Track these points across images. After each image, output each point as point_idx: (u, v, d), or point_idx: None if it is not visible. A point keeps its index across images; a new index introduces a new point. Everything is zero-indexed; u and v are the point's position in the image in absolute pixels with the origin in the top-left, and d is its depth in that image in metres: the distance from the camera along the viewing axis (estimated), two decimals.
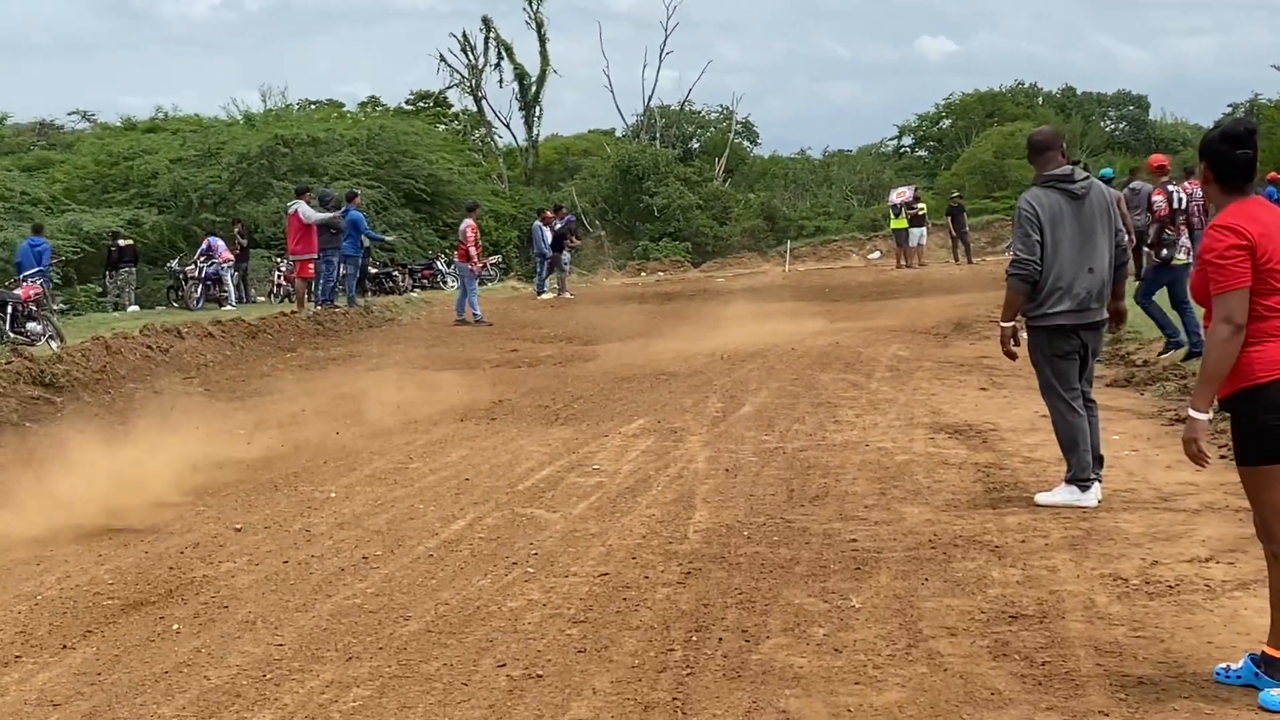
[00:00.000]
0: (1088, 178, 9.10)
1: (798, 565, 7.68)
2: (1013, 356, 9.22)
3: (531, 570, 7.86)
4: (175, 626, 7.11)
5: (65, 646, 6.88)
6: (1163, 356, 15.10)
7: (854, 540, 8.16)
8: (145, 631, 7.06)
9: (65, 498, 9.96)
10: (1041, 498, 9.00)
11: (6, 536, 9.28)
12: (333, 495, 10.34)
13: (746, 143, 75.39)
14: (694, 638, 6.49)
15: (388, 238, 34.37)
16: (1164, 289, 15.24)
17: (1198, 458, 5.47)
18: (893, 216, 43.13)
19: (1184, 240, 15.16)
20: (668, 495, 9.77)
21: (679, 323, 25.21)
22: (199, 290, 33.13)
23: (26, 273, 22.50)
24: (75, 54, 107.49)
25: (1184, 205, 15.36)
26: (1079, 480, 8.88)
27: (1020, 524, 8.39)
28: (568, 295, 34.54)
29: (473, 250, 28.08)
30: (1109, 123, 78.38)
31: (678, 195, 57.80)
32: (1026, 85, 79.02)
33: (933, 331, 21.09)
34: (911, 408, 13.33)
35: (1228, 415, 5.54)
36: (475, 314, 26.92)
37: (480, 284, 40.50)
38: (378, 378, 17.71)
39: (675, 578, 7.54)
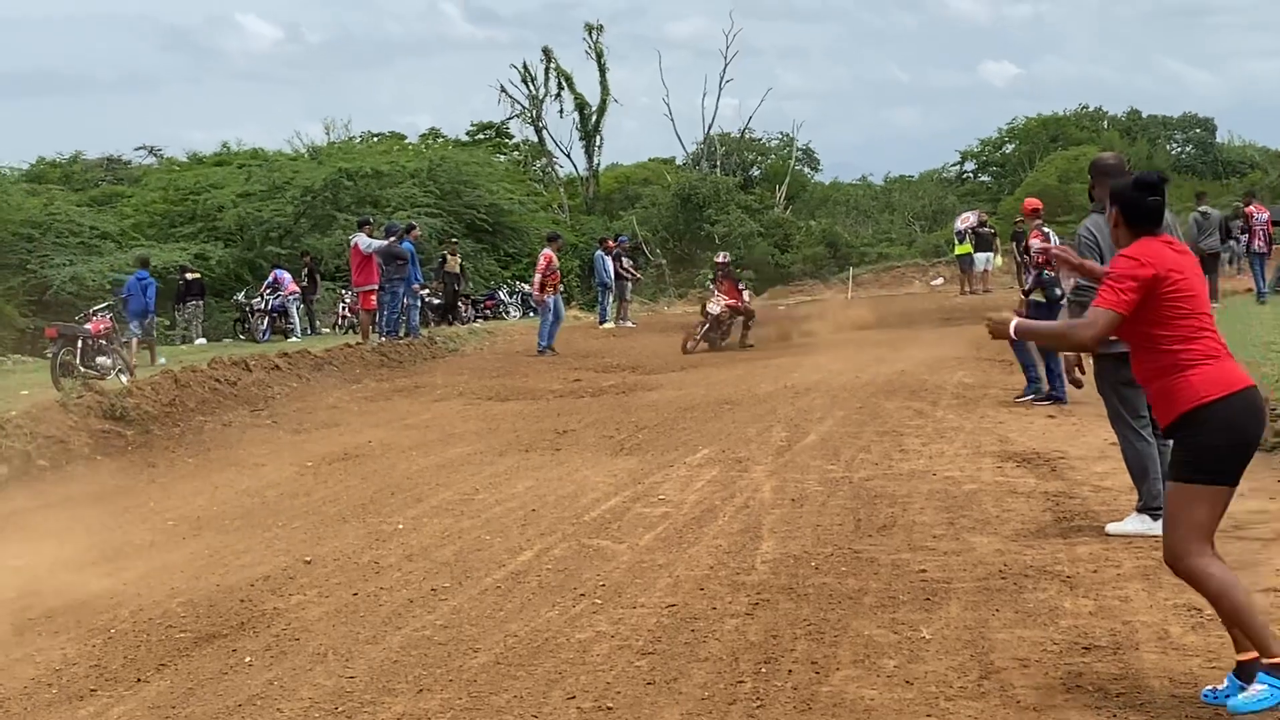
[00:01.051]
0: None
1: (866, 596, 7.65)
2: (1078, 384, 9.20)
3: (599, 602, 7.87)
4: (248, 659, 7.17)
5: (139, 679, 6.96)
6: (1018, 401, 15.43)
7: (923, 570, 8.12)
8: (218, 664, 7.13)
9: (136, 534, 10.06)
10: (1113, 527, 8.93)
11: (81, 569, 9.39)
12: (400, 527, 10.38)
13: (807, 169, 75.40)
14: (763, 669, 6.48)
15: (423, 291, 34.27)
16: None
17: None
18: (957, 243, 42.88)
19: (1067, 280, 15.13)
20: (734, 526, 9.76)
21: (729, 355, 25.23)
22: (265, 323, 33.44)
23: (96, 308, 22.71)
24: (141, 90, 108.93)
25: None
26: (1150, 509, 8.80)
27: (1092, 554, 8.33)
28: (629, 324, 34.58)
29: (536, 278, 28.10)
30: (1175, 146, 77.94)
31: (739, 223, 57.82)
32: (1091, 109, 78.70)
33: (998, 358, 20.96)
34: (979, 436, 13.27)
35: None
36: (541, 343, 26.88)
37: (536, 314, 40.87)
38: (443, 409, 17.82)
39: (743, 609, 7.53)
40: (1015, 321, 6.03)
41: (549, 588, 8.28)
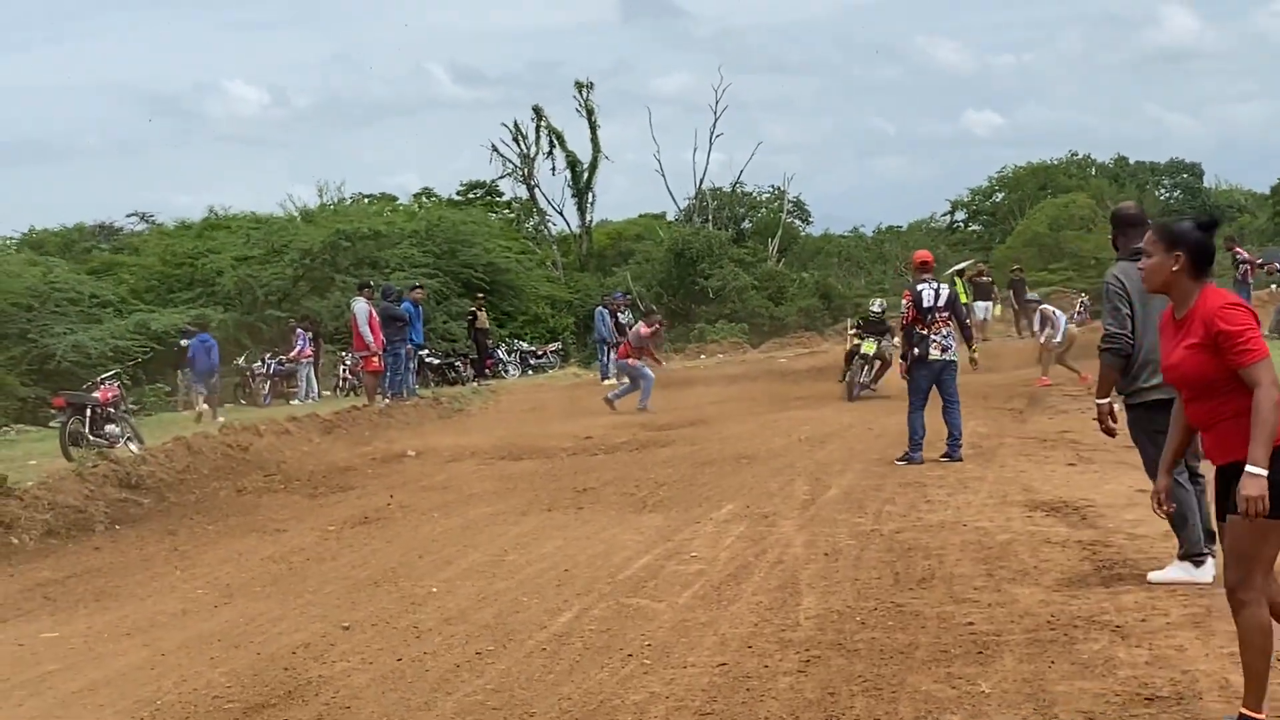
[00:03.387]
0: None
1: (918, 650, 7.62)
2: (1111, 434, 9.13)
3: (648, 662, 7.83)
4: None
5: None
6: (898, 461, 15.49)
7: (970, 623, 8.10)
8: None
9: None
10: (1155, 576, 8.91)
11: (116, 640, 9.34)
12: (434, 590, 10.33)
13: (798, 222, 75.60)
14: None
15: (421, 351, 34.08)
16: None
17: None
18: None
19: (936, 337, 15.29)
20: (771, 581, 9.73)
21: (748, 404, 25.21)
22: (267, 386, 33.36)
23: (103, 376, 22.66)
24: (127, 155, 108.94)
25: (935, 303, 15.38)
26: (1192, 556, 8.79)
27: (1137, 602, 8.31)
28: (614, 381, 34.51)
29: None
30: (1163, 191, 78.35)
31: (733, 277, 57.89)
32: (1079, 156, 79.07)
33: (1007, 407, 21.02)
34: (1003, 485, 13.26)
35: None
36: (611, 396, 26.50)
37: (539, 371, 40.85)
38: (458, 469, 17.79)
39: (795, 666, 7.50)
40: (1254, 469, 5.76)
41: (595, 648, 8.24)
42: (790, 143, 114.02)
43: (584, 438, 20.76)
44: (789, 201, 71.78)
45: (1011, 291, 41.92)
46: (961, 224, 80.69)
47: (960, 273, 40.12)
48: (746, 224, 71.56)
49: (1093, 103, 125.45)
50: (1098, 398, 9.10)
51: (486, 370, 35.50)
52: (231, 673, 8.37)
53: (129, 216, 55.58)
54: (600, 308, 35.73)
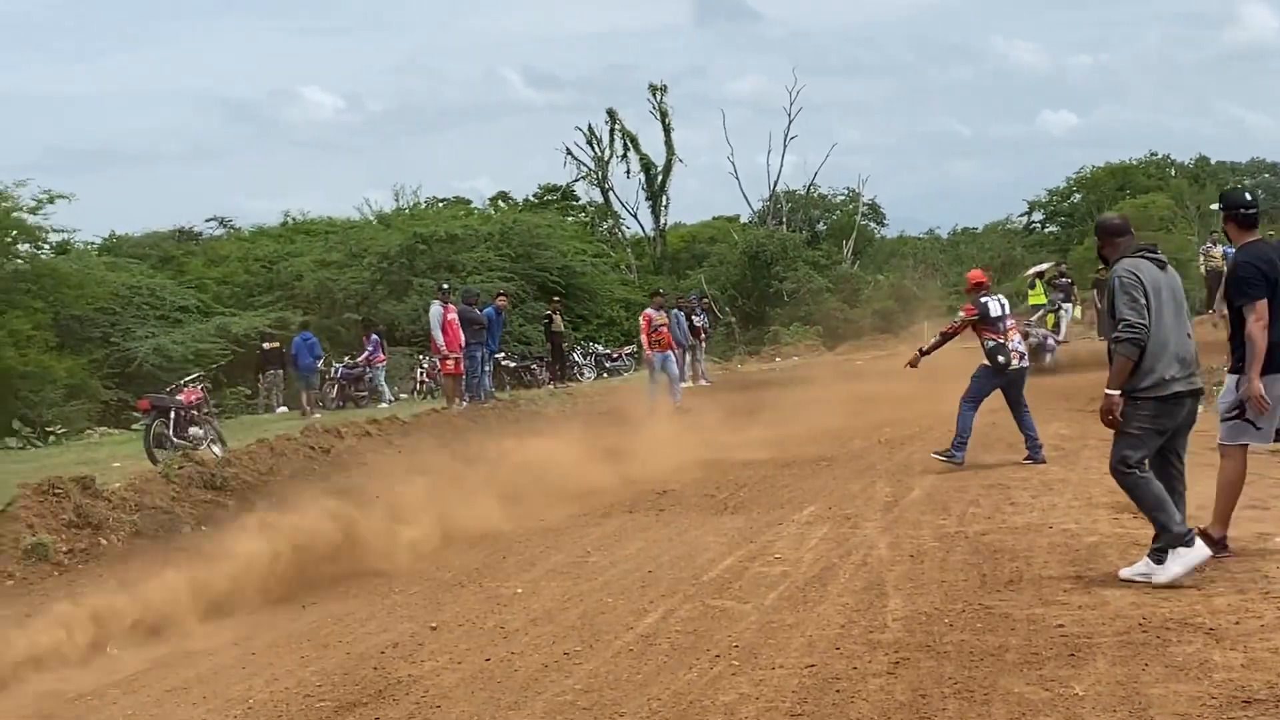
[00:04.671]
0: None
1: (1008, 653, 7.57)
2: (1115, 426, 9.06)
3: (736, 663, 7.82)
4: None
5: None
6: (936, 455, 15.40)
7: (1061, 626, 8.03)
8: None
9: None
10: (1158, 579, 8.86)
11: (207, 639, 9.44)
12: (519, 591, 10.38)
13: (873, 224, 75.20)
14: None
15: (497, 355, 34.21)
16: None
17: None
18: (1029, 292, 42.47)
19: (1012, 345, 15.18)
20: (857, 583, 9.70)
21: (825, 406, 25.07)
22: (335, 390, 33.45)
23: (187, 378, 22.84)
24: (205, 161, 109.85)
25: (1003, 311, 15.30)
26: (1182, 540, 8.80)
27: (1230, 605, 8.21)
28: (704, 382, 34.52)
29: (644, 338, 27.92)
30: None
31: (807, 279, 57.70)
32: (1159, 156, 78.20)
33: (1089, 409, 20.80)
34: (1087, 487, 13.14)
35: None
36: (674, 399, 26.67)
37: (614, 374, 40.88)
38: (539, 471, 17.79)
39: (884, 668, 7.47)
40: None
41: (682, 649, 8.24)
42: (864, 145, 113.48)
43: (660, 438, 20.71)
44: (864, 204, 71.49)
45: (1095, 292, 41.46)
46: (1039, 225, 79.97)
47: (1040, 274, 39.85)
48: (821, 226, 71.29)
49: (1171, 102, 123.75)
50: (1110, 388, 8.98)
51: (562, 373, 35.53)
52: (322, 671, 8.45)
53: (208, 221, 55.97)
54: (675, 310, 35.69)
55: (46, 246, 36.24)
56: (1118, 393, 8.89)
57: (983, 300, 15.45)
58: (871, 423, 20.67)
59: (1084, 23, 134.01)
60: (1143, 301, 8.81)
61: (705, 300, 38.80)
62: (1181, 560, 8.80)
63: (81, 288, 35.50)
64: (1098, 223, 9.75)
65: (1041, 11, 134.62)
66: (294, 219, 53.05)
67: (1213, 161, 77.72)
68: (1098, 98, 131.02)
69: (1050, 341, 27.98)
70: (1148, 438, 8.91)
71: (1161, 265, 9.03)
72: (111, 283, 36.83)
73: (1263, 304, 9.20)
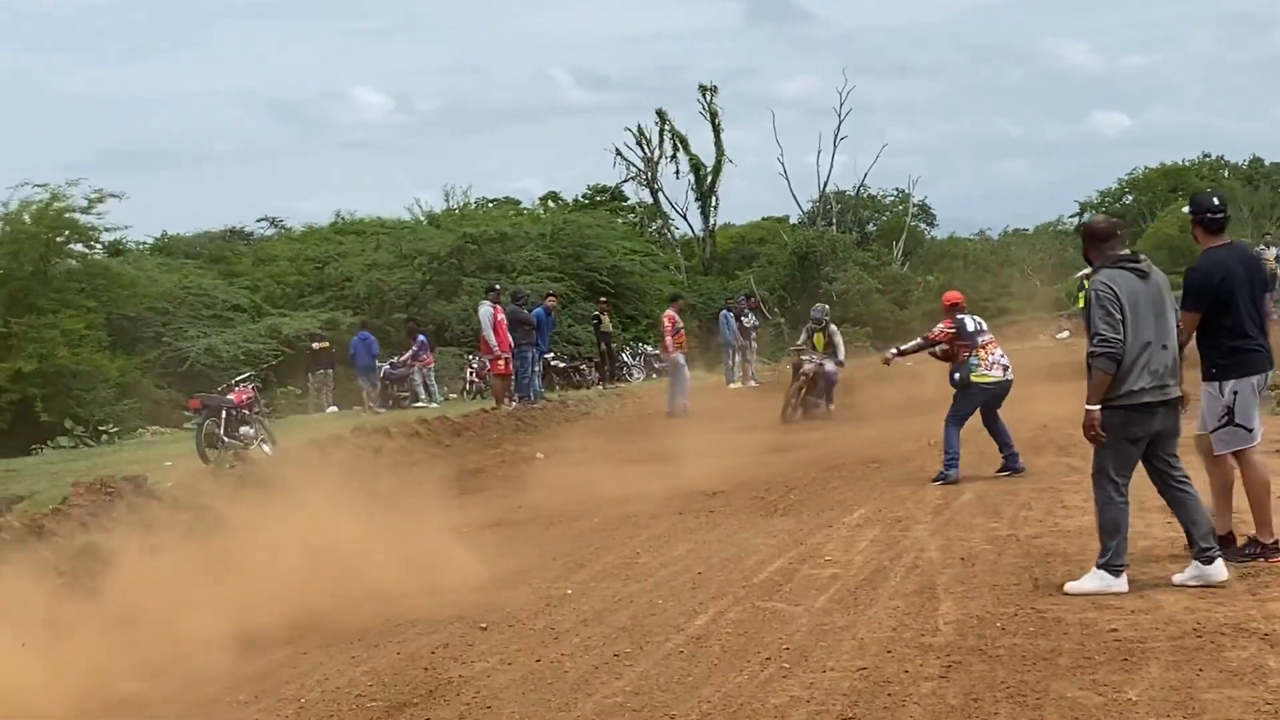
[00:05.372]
0: (1146, 259, 9.17)
1: (1060, 657, 7.53)
2: (1099, 441, 9.08)
3: (786, 665, 7.81)
4: None
5: None
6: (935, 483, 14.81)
7: (1114, 630, 7.98)
8: None
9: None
10: (1071, 586, 9.07)
11: (262, 634, 9.48)
12: (569, 592, 10.40)
13: (923, 225, 74.88)
14: None
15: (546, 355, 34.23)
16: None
17: None
18: (1078, 294, 42.23)
19: (994, 358, 15.11)
20: (908, 586, 9.67)
21: (874, 408, 25.01)
22: (378, 390, 33.45)
23: (239, 378, 22.90)
24: (255, 161, 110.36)
25: (980, 326, 15.20)
26: (1111, 566, 8.99)
27: None
28: (754, 383, 34.49)
29: (668, 340, 28.18)
30: None
31: (856, 280, 57.53)
32: (1212, 158, 77.59)
33: None
34: (1139, 491, 12.88)
35: None
36: (672, 405, 26.94)
37: (663, 375, 40.85)
38: (587, 472, 17.83)
39: (936, 671, 7.44)
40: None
41: (732, 651, 8.24)
42: (915, 145, 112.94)
43: (710, 441, 20.72)
44: (914, 204, 71.24)
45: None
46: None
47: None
48: (870, 227, 71.10)
49: (1223, 103, 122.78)
50: (1089, 404, 9.01)
51: (611, 373, 35.56)
52: (372, 672, 8.49)
53: (258, 221, 56.23)
54: (725, 311, 35.70)
55: (99, 246, 36.45)
56: (1097, 408, 8.93)
57: (960, 318, 15.48)
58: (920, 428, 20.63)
59: (1135, 23, 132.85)
60: (1118, 316, 8.83)
61: (754, 300, 38.62)
62: (1098, 581, 9.00)
63: (134, 287, 35.69)
64: (1084, 226, 9.84)
65: (1093, 12, 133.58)
66: (344, 219, 53.28)
67: (1267, 163, 77.01)
68: (1150, 98, 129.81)
69: None
70: (1119, 446, 9.01)
71: (1143, 275, 8.99)
72: (163, 282, 37.03)
73: (1191, 317, 9.49)
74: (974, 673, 7.36)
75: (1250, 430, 9.54)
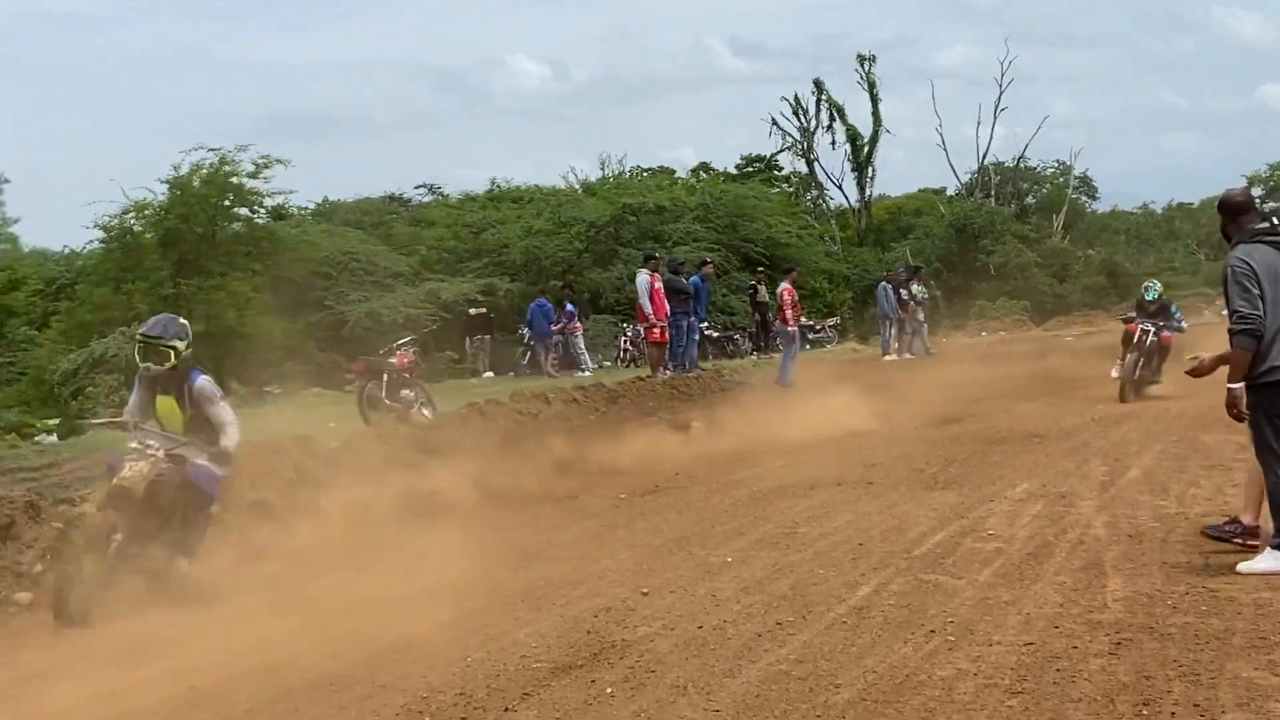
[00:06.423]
0: None
1: (1234, 636, 7.39)
2: (1242, 419, 8.83)
3: (952, 638, 7.74)
4: (609, 690, 7.23)
5: (507, 709, 7.05)
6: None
7: None
8: (580, 695, 7.19)
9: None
10: (1244, 566, 8.82)
11: (425, 598, 9.61)
12: (729, 560, 10.40)
13: (1084, 198, 73.65)
14: (1144, 712, 6.30)
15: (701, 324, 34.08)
16: None
17: None
18: None
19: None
20: (1074, 562, 9.54)
21: (1036, 382, 24.69)
22: (526, 358, 33.66)
23: (400, 342, 23.08)
24: (415, 129, 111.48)
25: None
26: None
27: None
28: (908, 355, 34.23)
29: (788, 312, 28.06)
30: None
31: (1015, 253, 56.93)
32: None
33: None
34: None
35: None
36: (784, 377, 26.86)
37: (816, 346, 40.72)
38: (741, 441, 17.82)
39: (1105, 648, 7.33)
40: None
41: (896, 623, 8.18)
42: (1077, 117, 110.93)
43: (868, 414, 20.58)
44: (1075, 177, 70.09)
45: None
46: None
47: None
48: (1030, 200, 70.11)
49: None
50: (1231, 383, 8.80)
51: (766, 344, 35.48)
52: (537, 633, 8.55)
53: (417, 188, 56.97)
54: (883, 283, 35.47)
55: (264, 211, 37.03)
56: (1240, 385, 8.74)
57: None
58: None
59: None
60: (1255, 291, 8.66)
61: (905, 272, 38.11)
62: (1272, 560, 8.77)
63: (297, 251, 36.33)
64: (1221, 199, 9.46)
65: None
66: (500, 187, 53.73)
67: None
68: None
69: None
70: (1265, 424, 8.81)
71: None
72: (326, 247, 37.64)
73: None
74: (1145, 650, 7.24)
75: None
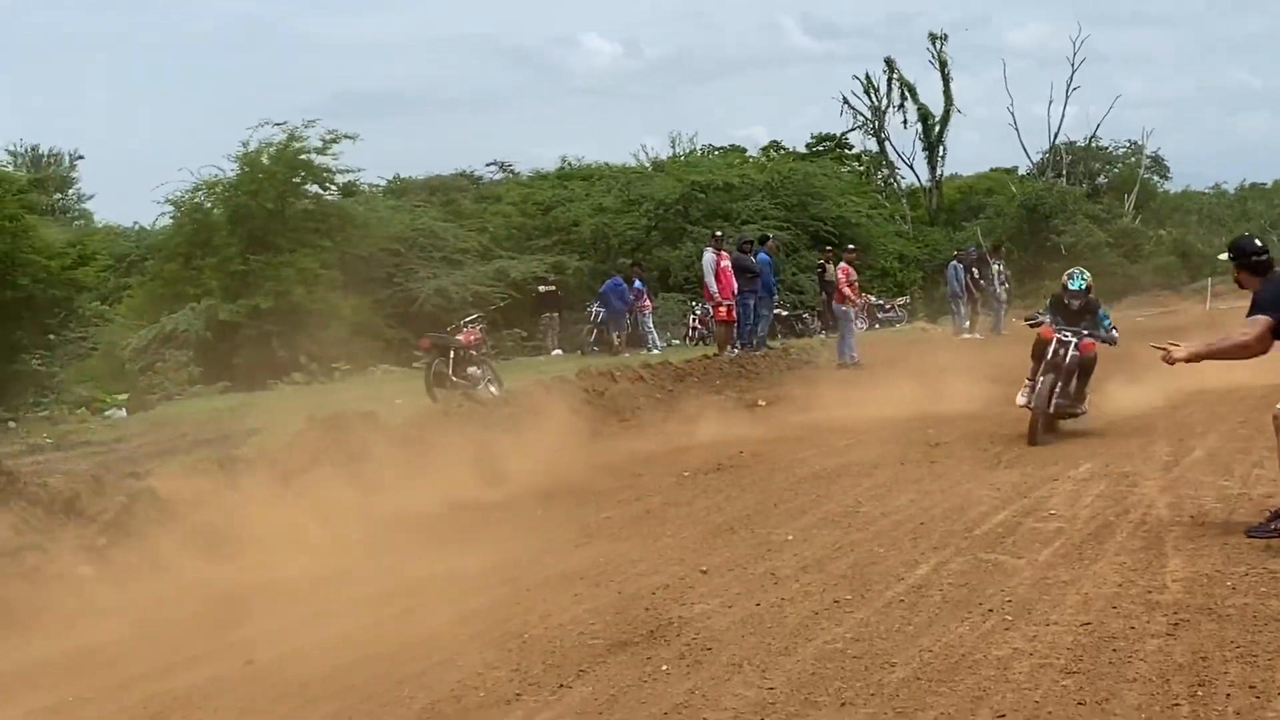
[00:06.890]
0: None
1: None
2: None
3: (1009, 618, 7.75)
4: (664, 667, 7.28)
5: (562, 685, 7.11)
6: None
7: None
8: (636, 672, 7.25)
9: None
10: None
11: (482, 574, 9.69)
12: (790, 538, 10.42)
13: (1156, 178, 72.91)
14: (1199, 692, 6.29)
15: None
16: None
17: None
18: None
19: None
20: (1134, 542, 9.51)
21: (1110, 361, 24.44)
22: (593, 336, 33.74)
23: (467, 319, 23.20)
24: (486, 107, 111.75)
25: None
26: None
27: None
28: (968, 335, 34.00)
29: (847, 291, 27.97)
30: None
31: (1086, 233, 56.44)
32: None
33: None
34: None
35: None
36: (850, 357, 26.83)
37: (886, 325, 40.59)
38: (807, 420, 17.84)
39: (1163, 629, 7.32)
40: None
41: (953, 602, 8.19)
42: (1149, 97, 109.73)
43: (931, 393, 20.47)
44: (1147, 157, 69.40)
45: None
46: None
47: None
48: (1101, 179, 69.49)
49: None
50: None
51: (834, 323, 35.43)
52: (594, 610, 8.61)
53: (488, 166, 57.01)
54: (954, 262, 35.30)
55: (333, 187, 37.10)
56: None
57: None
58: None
59: None
60: None
61: (977, 252, 37.81)
62: None
63: (366, 228, 36.38)
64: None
65: None
66: (570, 165, 53.79)
67: None
68: None
69: None
70: None
71: None
72: (395, 224, 37.70)
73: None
74: (1202, 631, 7.23)
75: None
